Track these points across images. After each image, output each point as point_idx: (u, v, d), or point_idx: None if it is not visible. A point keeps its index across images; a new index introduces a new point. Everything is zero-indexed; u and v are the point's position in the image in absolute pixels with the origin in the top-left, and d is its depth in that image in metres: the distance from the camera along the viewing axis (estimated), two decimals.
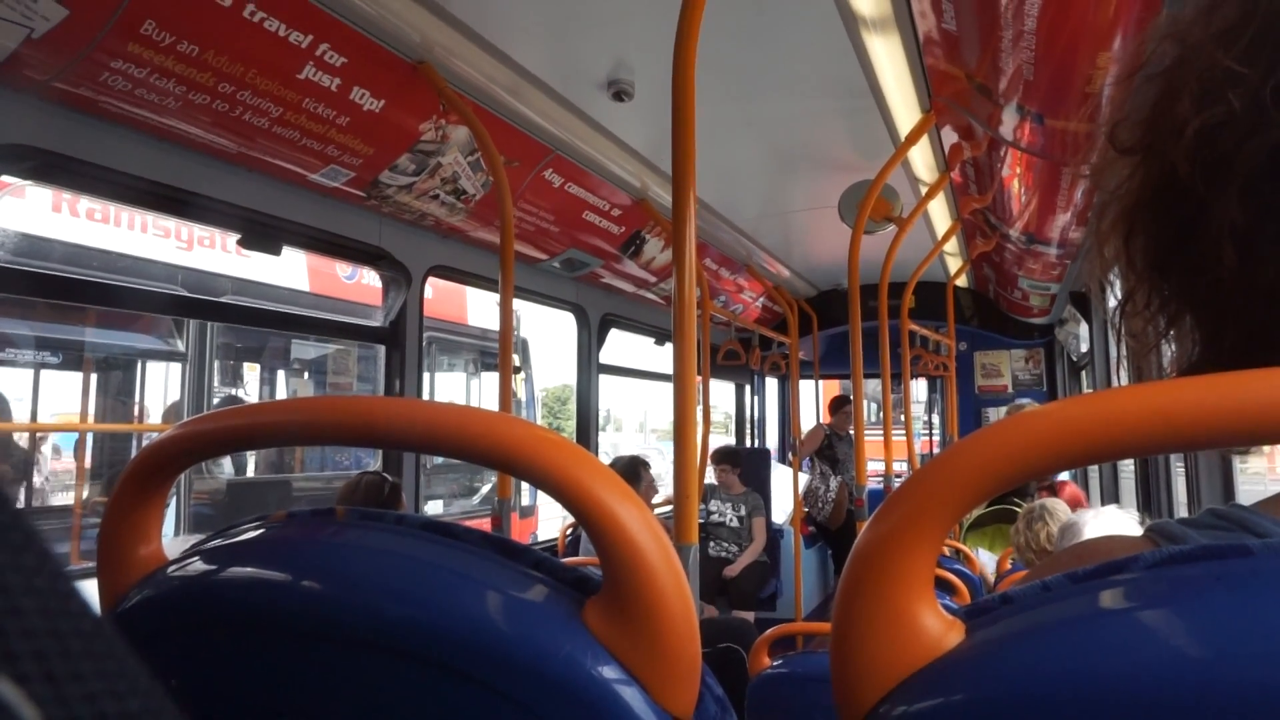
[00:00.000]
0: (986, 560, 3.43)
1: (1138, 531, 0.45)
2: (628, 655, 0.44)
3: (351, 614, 0.48)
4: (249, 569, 0.52)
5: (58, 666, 0.14)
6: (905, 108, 2.64)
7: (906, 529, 0.35)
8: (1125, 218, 0.49)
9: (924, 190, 3.29)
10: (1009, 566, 3.09)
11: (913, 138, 2.61)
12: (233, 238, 2.39)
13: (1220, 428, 0.31)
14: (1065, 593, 0.35)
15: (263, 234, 2.29)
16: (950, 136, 2.95)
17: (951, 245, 4.57)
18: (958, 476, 0.35)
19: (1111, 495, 3.97)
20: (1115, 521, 1.94)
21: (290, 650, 0.50)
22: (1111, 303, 0.53)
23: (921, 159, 3.19)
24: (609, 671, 0.44)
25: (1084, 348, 4.46)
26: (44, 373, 4.49)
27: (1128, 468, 3.72)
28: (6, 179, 1.78)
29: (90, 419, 4.77)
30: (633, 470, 3.66)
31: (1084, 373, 4.66)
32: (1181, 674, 0.30)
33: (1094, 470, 4.82)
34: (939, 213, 3.93)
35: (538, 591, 0.47)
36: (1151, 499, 2.87)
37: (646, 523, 0.44)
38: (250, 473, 5.45)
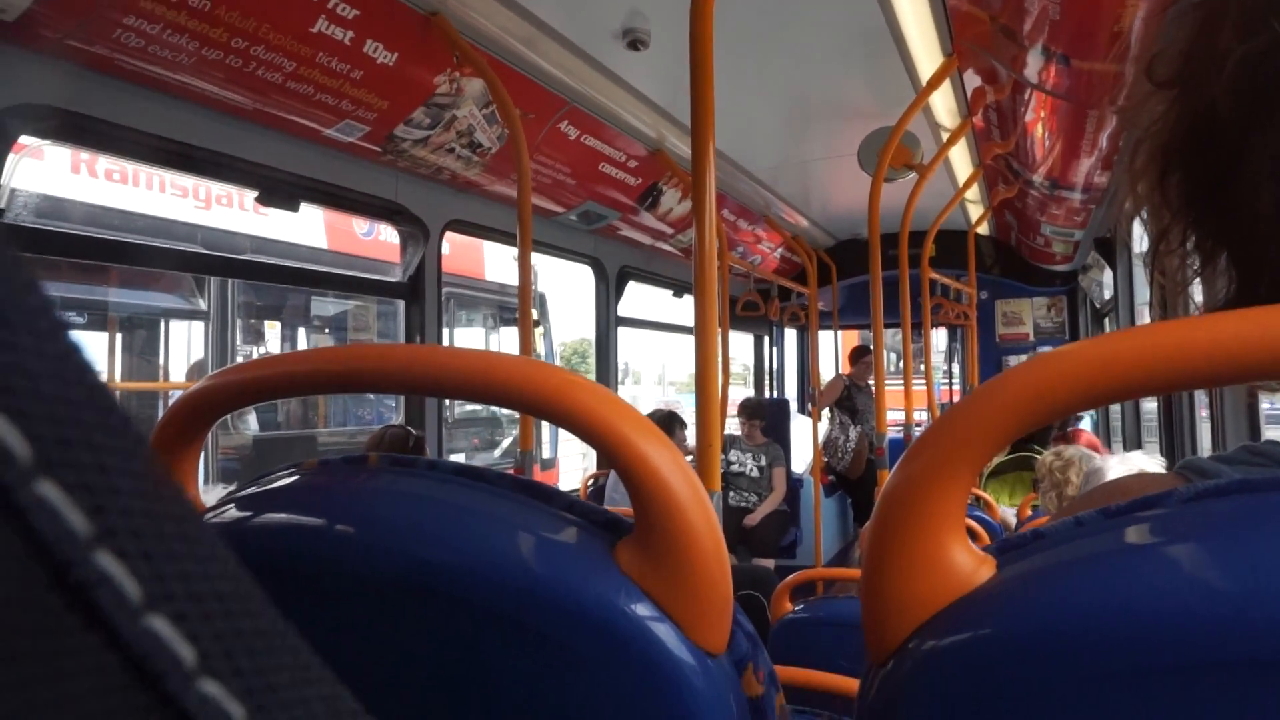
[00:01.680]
0: (1006, 511, 3.44)
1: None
2: (660, 593, 0.45)
3: (387, 558, 0.49)
4: (284, 515, 0.53)
5: (154, 545, 0.14)
6: (926, 52, 2.59)
7: (938, 466, 0.35)
8: (1160, 154, 0.48)
9: (945, 137, 3.23)
10: (1029, 514, 3.10)
11: (934, 83, 2.56)
12: (250, 195, 2.38)
13: (1252, 361, 0.31)
14: (1098, 528, 0.35)
15: (280, 191, 2.28)
16: (973, 81, 2.89)
17: (973, 193, 4.50)
18: (989, 414, 0.35)
19: (1134, 440, 3.95)
20: (1140, 465, 1.94)
21: (325, 595, 0.51)
22: (1142, 245, 0.52)
23: (943, 104, 3.13)
24: (642, 609, 0.44)
25: (1108, 294, 4.40)
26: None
27: (1150, 414, 3.70)
28: (25, 139, 1.78)
29: (115, 378, 4.83)
30: (667, 424, 3.66)
31: (1107, 319, 4.60)
32: (1216, 609, 0.30)
33: (1116, 416, 4.79)
34: (960, 159, 3.87)
35: (570, 533, 0.48)
36: (1175, 443, 2.85)
37: (676, 463, 0.45)
38: (275, 428, 5.52)
